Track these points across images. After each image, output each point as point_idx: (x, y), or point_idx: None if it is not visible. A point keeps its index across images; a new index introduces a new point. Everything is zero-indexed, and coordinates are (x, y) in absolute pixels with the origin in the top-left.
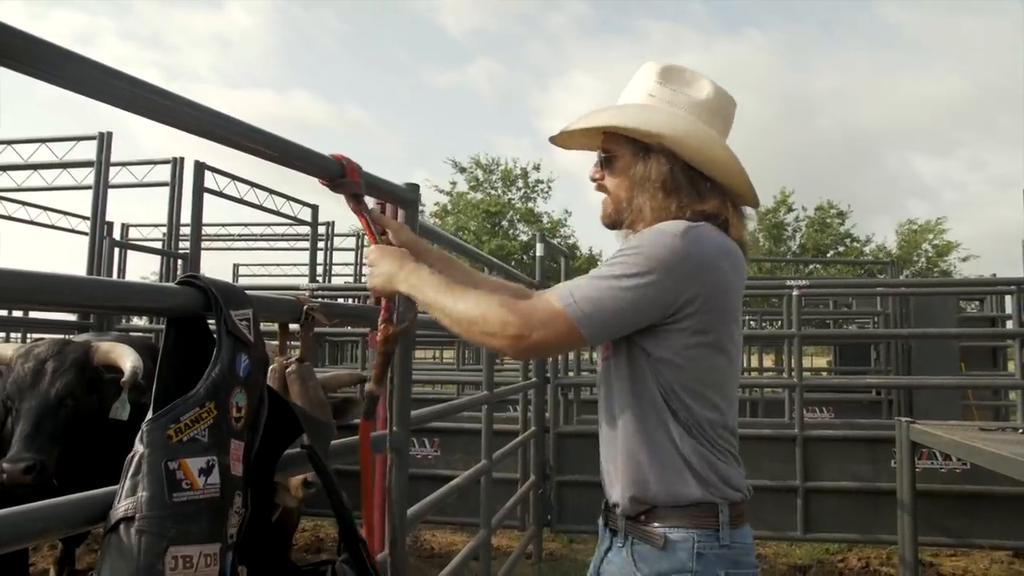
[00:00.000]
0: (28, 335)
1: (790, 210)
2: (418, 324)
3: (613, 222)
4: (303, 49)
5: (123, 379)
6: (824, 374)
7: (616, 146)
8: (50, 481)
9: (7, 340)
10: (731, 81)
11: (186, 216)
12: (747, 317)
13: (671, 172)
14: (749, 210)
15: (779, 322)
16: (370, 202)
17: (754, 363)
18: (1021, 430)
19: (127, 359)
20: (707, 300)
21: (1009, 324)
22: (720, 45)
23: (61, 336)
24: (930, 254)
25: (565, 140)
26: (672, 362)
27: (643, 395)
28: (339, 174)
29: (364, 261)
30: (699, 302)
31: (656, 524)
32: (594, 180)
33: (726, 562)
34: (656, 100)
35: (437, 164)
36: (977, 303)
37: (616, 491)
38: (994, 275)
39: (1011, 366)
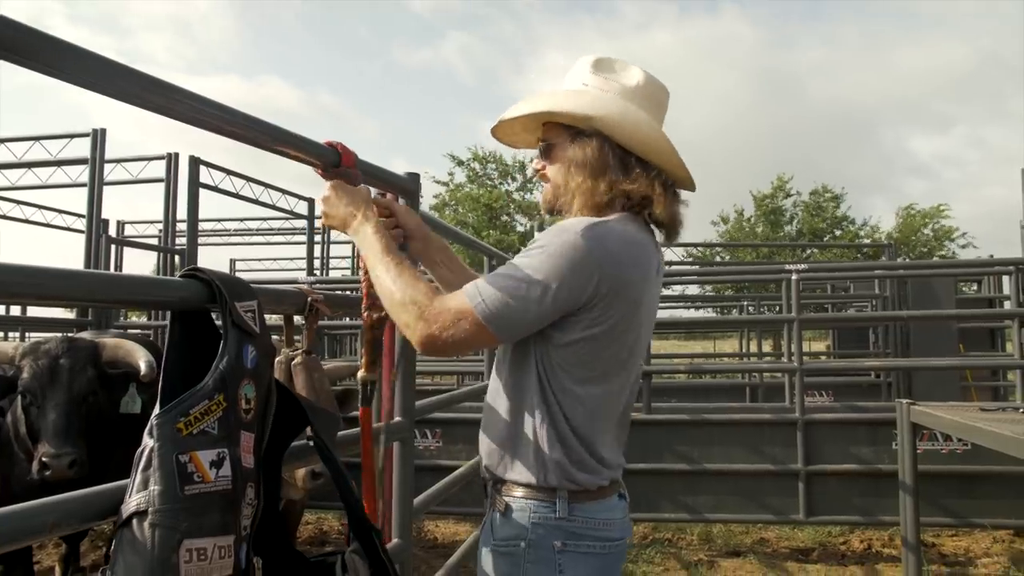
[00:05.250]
0: (27, 334)
1: (788, 195)
2: None
3: (552, 207)
4: (265, 29)
5: (142, 374)
6: (823, 358)
7: (553, 134)
8: (87, 475)
9: (5, 339)
10: (711, 59)
11: (182, 212)
12: (746, 303)
13: (601, 152)
14: (685, 193)
15: (777, 307)
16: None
17: (753, 348)
18: (1021, 409)
19: (139, 355)
20: (607, 294)
21: (1007, 305)
22: (697, 20)
23: (60, 334)
24: (928, 238)
25: (509, 136)
26: (561, 348)
27: (524, 377)
28: (334, 163)
29: (322, 196)
30: (599, 296)
31: (503, 493)
32: (537, 171)
33: (563, 533)
34: (589, 88)
35: (417, 150)
36: (975, 284)
37: (482, 459)
38: (991, 256)
39: (1009, 347)
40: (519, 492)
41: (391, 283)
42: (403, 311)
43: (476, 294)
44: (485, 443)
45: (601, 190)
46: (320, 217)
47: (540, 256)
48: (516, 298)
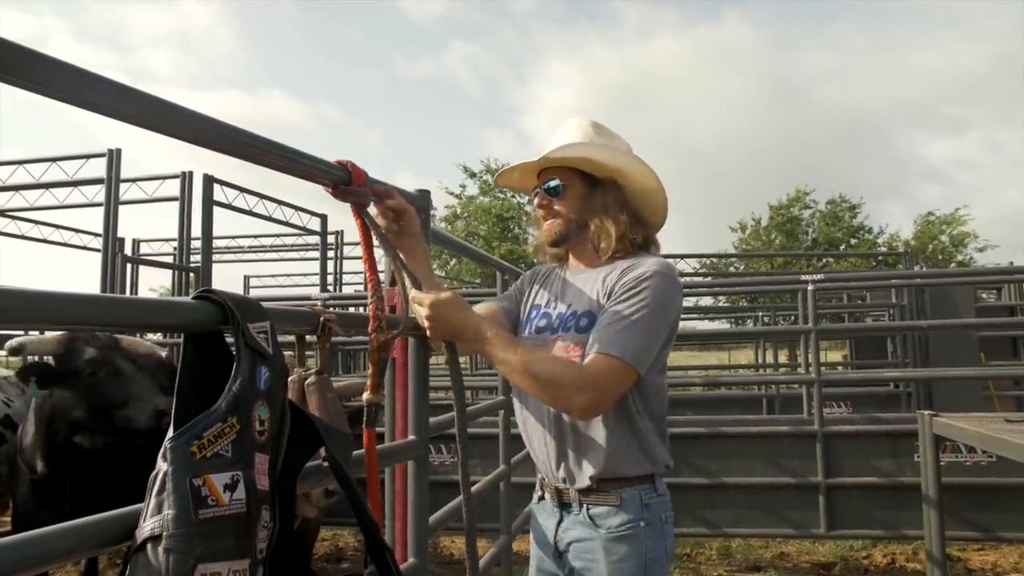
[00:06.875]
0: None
1: (806, 207)
2: (410, 330)
3: (561, 239)
4: (266, 41)
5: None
6: (840, 368)
7: (564, 177)
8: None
9: None
10: (716, 65)
11: (196, 230)
12: (761, 313)
13: (621, 199)
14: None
15: (793, 317)
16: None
17: (769, 359)
18: None
19: (155, 347)
20: (679, 311)
21: None
22: (699, 26)
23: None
24: (945, 245)
25: (506, 179)
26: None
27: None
28: (345, 181)
29: (422, 304)
30: (676, 319)
31: (609, 490)
32: (542, 207)
33: (663, 506)
34: (600, 144)
35: (423, 162)
36: (995, 292)
37: (579, 473)
38: (1011, 263)
39: None
40: (629, 485)
41: (539, 368)
42: (555, 389)
43: (613, 345)
44: (590, 459)
45: (630, 231)
46: (332, 233)
47: (649, 293)
48: (647, 338)
